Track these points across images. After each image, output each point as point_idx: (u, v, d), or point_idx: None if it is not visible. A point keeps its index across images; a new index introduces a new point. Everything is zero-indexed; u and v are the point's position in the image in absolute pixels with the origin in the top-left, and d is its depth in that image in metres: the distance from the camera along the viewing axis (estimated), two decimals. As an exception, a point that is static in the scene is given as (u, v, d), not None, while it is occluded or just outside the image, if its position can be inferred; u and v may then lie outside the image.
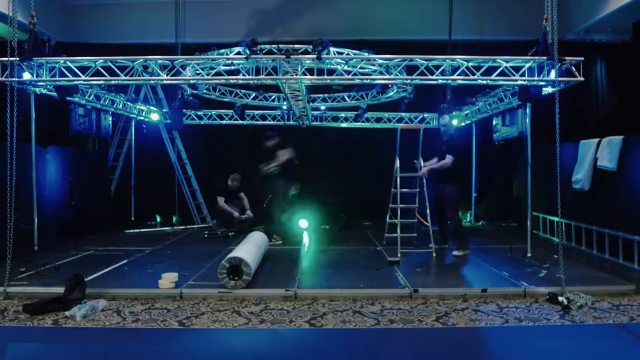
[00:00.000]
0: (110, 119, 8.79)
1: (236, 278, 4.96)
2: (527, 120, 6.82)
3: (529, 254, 6.51)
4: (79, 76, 6.08)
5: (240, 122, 9.84)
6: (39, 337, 3.99)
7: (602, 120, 9.45)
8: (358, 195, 10.30)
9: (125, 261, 6.42)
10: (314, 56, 5.88)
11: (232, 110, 9.71)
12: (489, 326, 4.14)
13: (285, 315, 4.40)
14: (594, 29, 9.02)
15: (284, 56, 5.94)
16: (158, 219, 10.36)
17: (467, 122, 9.39)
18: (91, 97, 7.67)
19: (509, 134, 7.91)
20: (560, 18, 5.35)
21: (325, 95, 9.50)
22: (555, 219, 7.68)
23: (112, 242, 8.01)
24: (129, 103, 8.84)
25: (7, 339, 3.95)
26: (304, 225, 9.05)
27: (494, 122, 8.55)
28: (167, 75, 6.22)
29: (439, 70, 6.05)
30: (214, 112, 10.00)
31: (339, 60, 6.39)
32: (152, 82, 6.25)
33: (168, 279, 5.08)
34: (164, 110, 9.68)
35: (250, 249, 5.69)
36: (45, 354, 3.69)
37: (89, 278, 5.37)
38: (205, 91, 8.40)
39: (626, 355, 3.60)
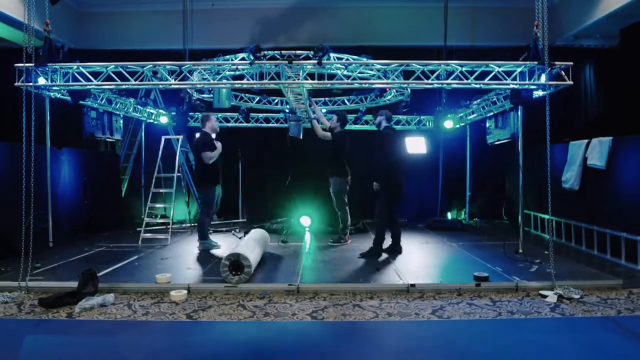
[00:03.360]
0: (121, 121, 8.82)
1: (239, 273, 4.97)
2: (519, 123, 6.82)
3: (520, 250, 6.51)
4: (91, 81, 6.09)
5: (245, 124, 9.85)
6: (53, 329, 4.01)
7: (590, 123, 9.44)
8: (358, 194, 10.29)
9: (135, 257, 6.44)
10: (315, 62, 5.89)
11: (237, 113, 9.73)
12: (482, 319, 4.15)
13: (288, 309, 4.41)
14: (583, 35, 9.02)
15: (286, 62, 5.94)
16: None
17: (462, 124, 9.39)
18: (103, 101, 7.69)
19: (501, 136, 7.91)
20: (551, 24, 5.35)
21: (326, 98, 9.51)
22: (546, 216, 7.68)
23: (123, 239, 8.02)
24: (139, 107, 8.85)
25: (23, 331, 3.97)
26: (307, 223, 9.05)
27: (487, 125, 8.54)
28: (175, 80, 6.24)
29: (435, 75, 6.05)
30: (219, 115, 10.01)
31: (338, 65, 6.40)
32: (160, 86, 6.26)
33: (162, 279, 5.09)
34: (172, 113, 9.70)
35: (248, 243, 5.72)
36: (59, 345, 3.69)
37: (101, 273, 5.39)
38: (211, 95, 8.40)
39: (613, 346, 3.60)
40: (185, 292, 4.80)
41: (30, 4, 5.24)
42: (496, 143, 8.25)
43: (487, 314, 4.24)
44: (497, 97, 7.43)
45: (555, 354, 3.45)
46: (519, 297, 4.72)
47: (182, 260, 6.33)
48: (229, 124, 10.02)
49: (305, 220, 9.06)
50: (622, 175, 6.25)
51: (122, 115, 8.67)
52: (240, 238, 7.66)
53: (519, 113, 6.80)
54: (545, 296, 4.67)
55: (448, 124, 9.11)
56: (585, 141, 6.95)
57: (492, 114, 8.07)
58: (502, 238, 7.11)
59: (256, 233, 6.56)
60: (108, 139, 8.55)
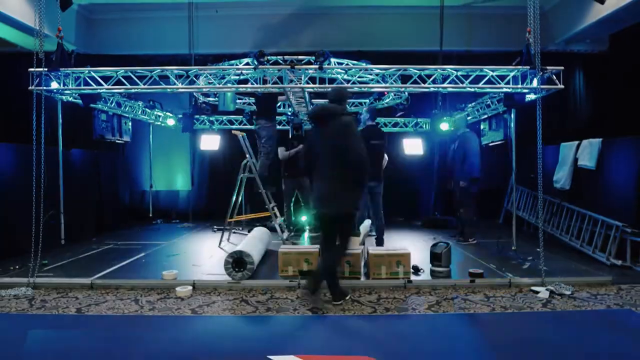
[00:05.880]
0: (130, 124, 8.81)
1: (241, 269, 4.97)
2: (512, 125, 6.81)
3: (514, 248, 6.50)
4: (102, 85, 6.10)
5: (249, 126, 9.85)
6: (63, 324, 4.00)
7: (581, 125, 9.42)
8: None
9: (142, 254, 6.44)
10: (316, 66, 5.89)
11: (241, 116, 9.72)
12: (477, 313, 4.14)
13: (289, 304, 4.41)
14: (574, 40, 9.00)
15: (288, 67, 5.94)
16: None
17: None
18: (113, 104, 7.69)
19: (495, 138, 7.89)
20: (542, 30, 5.34)
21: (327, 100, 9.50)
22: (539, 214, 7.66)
23: (131, 236, 8.02)
24: (147, 109, 8.85)
25: (33, 326, 3.97)
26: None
27: (482, 127, 8.53)
28: (182, 84, 6.24)
29: (431, 79, 6.05)
30: (224, 117, 10.01)
31: (339, 70, 6.40)
32: (168, 90, 6.27)
33: (168, 276, 5.09)
34: (179, 115, 9.69)
35: (250, 241, 5.72)
36: (68, 339, 3.69)
37: (109, 270, 5.44)
38: (216, 98, 8.41)
39: (602, 339, 3.60)
40: (191, 288, 4.80)
41: (42, 11, 5.24)
42: (490, 144, 8.23)
43: (481, 309, 4.24)
44: (491, 100, 7.42)
45: (547, 346, 3.44)
46: (512, 293, 4.72)
47: (188, 257, 6.34)
48: (233, 126, 10.01)
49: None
50: (612, 175, 6.24)
51: (130, 118, 8.67)
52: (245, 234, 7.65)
53: (512, 116, 6.79)
54: (537, 292, 4.66)
55: (444, 126, 9.10)
56: (576, 142, 6.95)
57: (486, 116, 8.06)
58: (496, 236, 7.11)
59: (258, 231, 6.55)
60: (117, 141, 8.54)
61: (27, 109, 5.84)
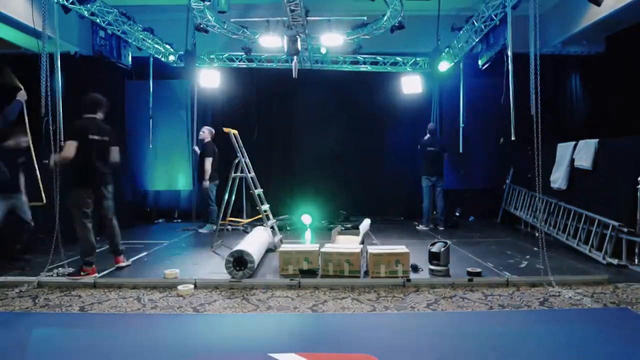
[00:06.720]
0: (130, 53, 8.31)
1: (242, 268, 4.98)
2: (508, 30, 6.26)
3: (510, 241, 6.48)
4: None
5: (249, 64, 9.54)
6: (66, 322, 4.02)
7: (577, 126, 9.45)
8: (356, 193, 10.30)
9: (144, 253, 6.44)
10: None
11: (241, 54, 9.26)
12: (475, 311, 4.16)
13: (290, 303, 4.42)
14: (571, 42, 9.01)
15: None
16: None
17: (456, 60, 8.88)
18: (111, 18, 7.26)
19: (491, 53, 7.37)
20: (539, 32, 5.34)
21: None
22: (536, 214, 7.67)
23: (133, 236, 8.02)
24: (146, 39, 8.34)
25: (37, 324, 3.99)
26: (307, 221, 9.06)
27: (479, 50, 7.84)
28: None
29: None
30: (225, 55, 9.73)
31: None
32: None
33: (170, 275, 5.12)
34: (180, 53, 9.25)
35: (250, 240, 5.74)
36: (71, 337, 3.70)
37: (113, 268, 5.46)
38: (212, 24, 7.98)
39: (599, 337, 3.61)
40: (192, 286, 4.81)
41: (45, 13, 5.25)
42: (486, 66, 7.70)
43: (479, 307, 4.26)
44: (486, 6, 6.92)
45: (545, 344, 3.46)
46: (509, 291, 4.73)
47: (189, 256, 6.34)
48: (234, 64, 9.75)
49: (307, 218, 9.07)
50: (608, 175, 6.26)
51: (131, 44, 8.18)
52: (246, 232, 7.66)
53: (508, 23, 6.34)
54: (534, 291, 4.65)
55: (443, 65, 8.78)
56: (573, 143, 6.96)
57: (483, 34, 7.49)
58: (493, 235, 7.12)
59: (259, 230, 6.56)
60: (118, 64, 8.13)
61: (29, 109, 5.84)
